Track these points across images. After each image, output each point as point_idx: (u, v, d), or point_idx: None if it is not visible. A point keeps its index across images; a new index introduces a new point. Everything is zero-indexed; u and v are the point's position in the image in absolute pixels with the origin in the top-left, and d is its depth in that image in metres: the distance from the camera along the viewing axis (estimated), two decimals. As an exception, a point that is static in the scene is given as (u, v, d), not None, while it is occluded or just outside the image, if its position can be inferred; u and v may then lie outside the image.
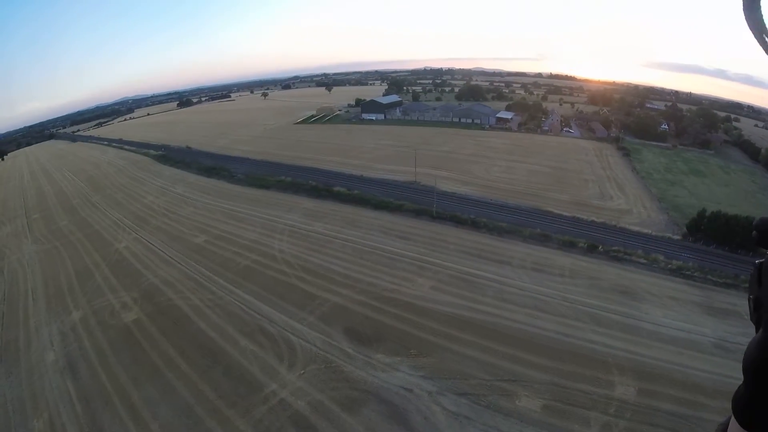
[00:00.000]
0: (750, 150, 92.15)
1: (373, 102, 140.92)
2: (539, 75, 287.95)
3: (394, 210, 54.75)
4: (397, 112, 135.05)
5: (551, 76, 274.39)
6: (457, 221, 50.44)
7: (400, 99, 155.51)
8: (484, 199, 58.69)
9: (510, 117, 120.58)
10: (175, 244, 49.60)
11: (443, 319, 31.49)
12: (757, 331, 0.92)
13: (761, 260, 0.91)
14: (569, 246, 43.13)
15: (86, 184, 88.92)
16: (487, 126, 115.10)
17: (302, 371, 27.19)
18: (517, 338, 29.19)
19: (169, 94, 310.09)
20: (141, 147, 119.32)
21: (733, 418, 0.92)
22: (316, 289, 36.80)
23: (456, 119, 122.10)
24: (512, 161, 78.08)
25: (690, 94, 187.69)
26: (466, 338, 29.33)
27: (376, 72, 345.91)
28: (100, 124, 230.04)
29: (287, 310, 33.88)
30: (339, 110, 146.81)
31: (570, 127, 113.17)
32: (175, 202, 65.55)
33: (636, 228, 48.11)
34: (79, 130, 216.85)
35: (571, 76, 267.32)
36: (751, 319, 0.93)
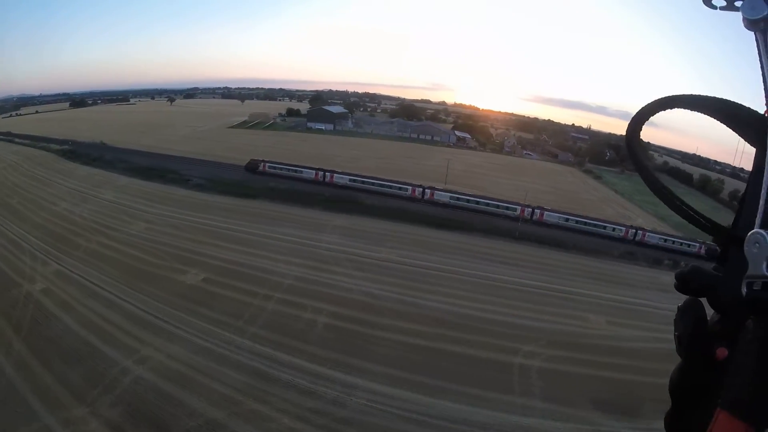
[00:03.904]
0: (681, 176, 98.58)
1: (321, 110, 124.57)
2: (444, 103, 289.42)
3: (462, 230, 43.41)
4: (349, 123, 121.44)
5: (456, 105, 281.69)
6: (541, 242, 43.03)
7: (347, 110, 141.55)
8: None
9: (468, 137, 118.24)
10: (142, 284, 27.50)
11: (652, 358, 23.64)
12: None
13: (681, 304, 1.05)
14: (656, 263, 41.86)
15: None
16: (451, 144, 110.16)
17: None
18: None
19: (57, 95, 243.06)
20: (38, 141, 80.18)
21: None
22: (491, 353, 23.50)
23: (414, 135, 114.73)
24: (510, 180, 72.61)
25: (590, 128, 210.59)
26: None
27: (281, 90, 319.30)
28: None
29: (493, 401, 19.90)
30: (274, 118, 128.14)
31: (527, 150, 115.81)
32: (110, 213, 40.57)
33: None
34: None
35: (473, 107, 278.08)
36: (677, 352, 1.08)
